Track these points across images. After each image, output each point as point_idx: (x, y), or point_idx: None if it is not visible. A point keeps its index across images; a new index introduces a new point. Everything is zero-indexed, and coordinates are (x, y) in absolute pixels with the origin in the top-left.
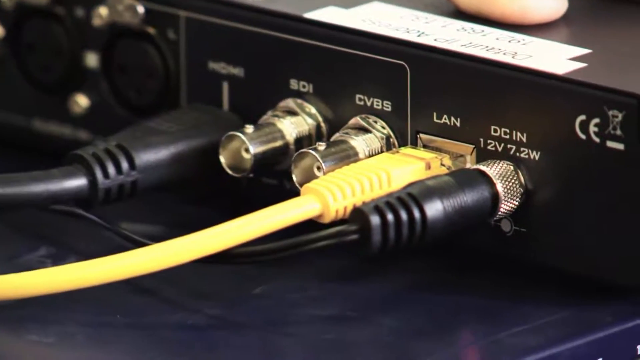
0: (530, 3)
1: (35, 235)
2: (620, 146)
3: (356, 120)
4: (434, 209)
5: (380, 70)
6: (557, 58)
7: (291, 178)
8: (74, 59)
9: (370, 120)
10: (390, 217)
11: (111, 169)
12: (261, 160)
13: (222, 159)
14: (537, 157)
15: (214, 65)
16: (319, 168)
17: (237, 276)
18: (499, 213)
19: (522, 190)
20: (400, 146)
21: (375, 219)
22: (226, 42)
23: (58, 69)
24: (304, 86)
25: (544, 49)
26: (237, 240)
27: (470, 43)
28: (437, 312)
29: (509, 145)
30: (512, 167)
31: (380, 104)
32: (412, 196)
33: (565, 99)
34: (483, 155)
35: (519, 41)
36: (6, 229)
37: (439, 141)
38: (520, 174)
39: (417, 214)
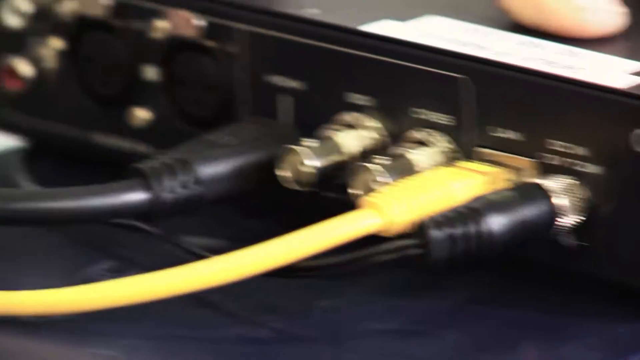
0: (590, 17)
1: (97, 248)
2: None
3: (415, 134)
4: (496, 223)
5: (440, 83)
6: (616, 72)
7: (351, 192)
8: (133, 72)
9: (430, 134)
10: (452, 231)
11: (171, 183)
12: (321, 173)
13: (281, 172)
14: (597, 171)
15: (273, 79)
16: (378, 182)
17: (299, 289)
18: (560, 227)
19: (583, 204)
20: (459, 160)
21: (437, 234)
22: (285, 55)
23: (117, 82)
24: (363, 100)
25: (603, 63)
26: (299, 254)
27: (530, 57)
28: (499, 327)
29: (569, 159)
30: (572, 181)
31: (439, 117)
32: (474, 210)
33: (625, 113)
34: (543, 169)
35: (578, 55)
36: (68, 242)
37: (499, 155)
38: (581, 188)
39: (479, 228)
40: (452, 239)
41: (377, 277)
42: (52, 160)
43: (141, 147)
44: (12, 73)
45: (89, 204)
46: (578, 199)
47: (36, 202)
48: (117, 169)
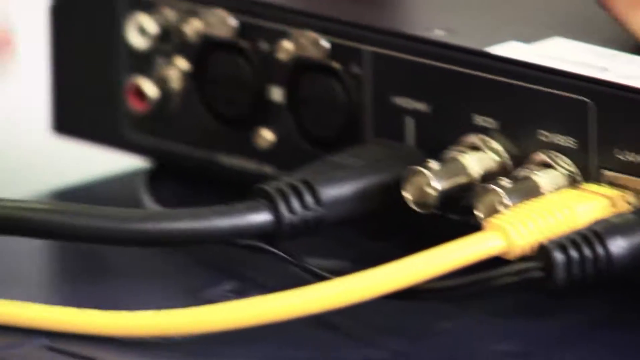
0: None
1: (220, 269)
2: None
3: (540, 156)
4: (619, 246)
5: (564, 106)
6: None
7: (475, 214)
8: (259, 92)
9: (554, 156)
10: (574, 254)
11: (295, 204)
12: (445, 195)
13: (406, 195)
14: None
15: (398, 100)
16: (502, 204)
17: (419, 311)
18: None
19: None
20: (583, 183)
21: (559, 256)
22: (410, 76)
23: (242, 103)
24: (487, 122)
25: None
26: (421, 276)
27: None
28: (617, 351)
29: None
30: None
31: (563, 140)
32: (597, 233)
33: None
34: None
35: None
36: (191, 262)
37: (624, 178)
38: None
39: (601, 251)
40: (573, 261)
41: (494, 298)
42: (176, 181)
43: (265, 168)
44: (138, 93)
45: (213, 225)
46: None
47: (160, 223)
48: (241, 190)
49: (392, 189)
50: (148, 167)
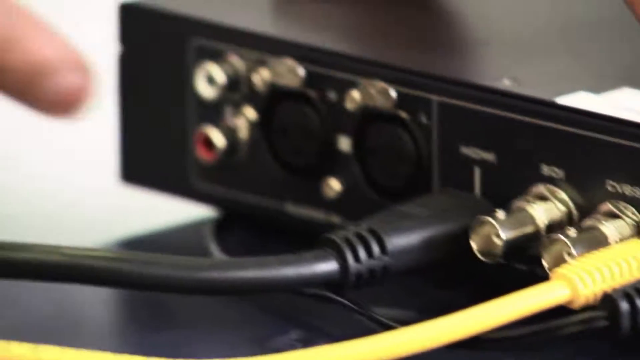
0: None
1: (286, 318)
2: None
3: (607, 206)
4: None
5: (632, 156)
6: None
7: (541, 263)
8: (326, 142)
9: (621, 207)
10: (638, 302)
11: (362, 253)
12: (512, 245)
13: (473, 244)
14: None
15: (465, 150)
16: (569, 254)
17: None
18: None
19: None
20: None
21: (624, 306)
22: (478, 126)
23: (310, 152)
24: (555, 172)
25: None
26: (486, 325)
27: None
28: None
29: None
30: None
31: (631, 190)
32: None
33: None
34: None
35: None
36: (257, 311)
37: None
38: None
39: None
40: (639, 310)
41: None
42: (243, 230)
43: (332, 217)
44: (206, 143)
45: (280, 274)
46: None
47: (227, 272)
48: (309, 239)
49: (459, 239)
50: (215, 216)
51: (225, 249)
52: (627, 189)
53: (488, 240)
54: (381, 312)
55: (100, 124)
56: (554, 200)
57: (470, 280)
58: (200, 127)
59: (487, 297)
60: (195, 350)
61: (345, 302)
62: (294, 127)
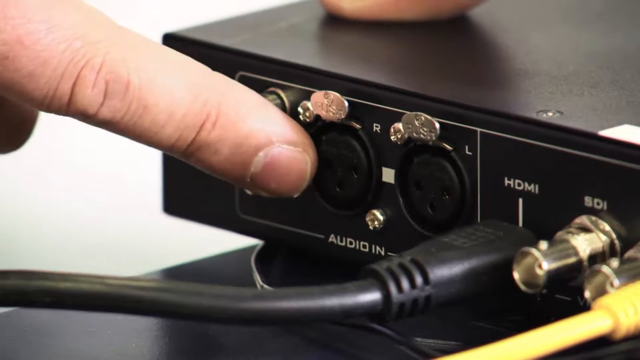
0: None
1: (329, 348)
2: None
3: None
4: None
5: None
6: None
7: (583, 294)
8: (370, 174)
9: None
10: None
11: (405, 284)
12: (554, 276)
13: (515, 275)
14: None
15: (509, 182)
16: (612, 284)
17: None
18: None
19: None
20: None
21: None
22: (521, 158)
23: (354, 184)
24: (598, 203)
25: None
26: (527, 355)
27: None
28: None
29: None
30: None
31: None
32: None
33: None
34: None
35: None
36: (300, 342)
37: None
38: None
39: None
40: None
41: None
42: (286, 260)
43: (377, 249)
44: None
45: (323, 304)
46: None
47: (271, 302)
48: (351, 270)
49: (502, 269)
50: (258, 246)
51: (268, 278)
52: None
53: (530, 271)
54: (424, 343)
55: (145, 156)
56: (596, 231)
57: (513, 312)
58: None
59: (529, 327)
60: None
61: (388, 332)
62: (338, 159)
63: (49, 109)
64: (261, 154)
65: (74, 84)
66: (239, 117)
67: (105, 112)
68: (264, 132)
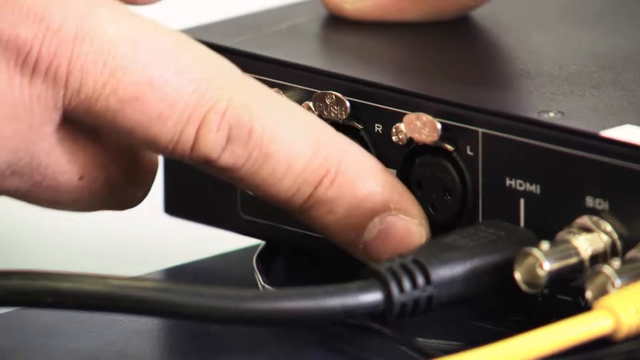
0: None
1: (330, 349)
2: None
3: None
4: None
5: None
6: None
7: (585, 294)
8: None
9: None
10: None
11: (407, 284)
12: (556, 276)
13: (517, 275)
14: None
15: (510, 182)
16: (613, 285)
17: None
18: None
19: None
20: None
21: None
22: (523, 158)
23: None
24: (599, 204)
25: None
26: (528, 355)
27: None
28: None
29: None
30: None
31: None
32: None
33: None
34: None
35: None
36: (301, 342)
37: None
38: None
39: None
40: None
41: None
42: (287, 260)
43: None
44: None
45: (325, 304)
46: None
47: (272, 302)
48: (353, 270)
49: (503, 270)
50: (259, 246)
51: (270, 278)
52: None
53: (532, 271)
54: (425, 343)
55: None
56: (597, 231)
57: (514, 312)
58: None
59: (530, 328)
60: None
61: (390, 332)
62: None
63: (172, 154)
64: (377, 219)
65: (199, 127)
66: (357, 178)
67: (227, 158)
68: (382, 197)
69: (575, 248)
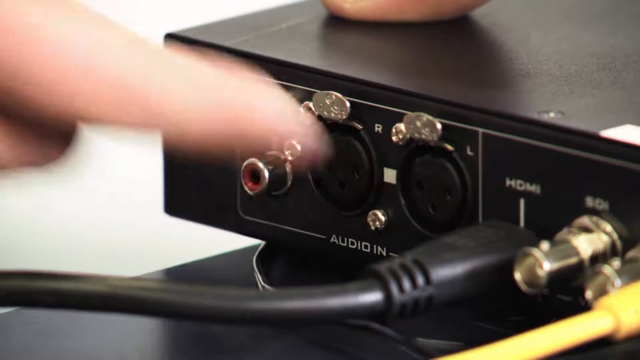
0: None
1: (329, 349)
2: None
3: None
4: None
5: None
6: None
7: (585, 294)
8: (373, 175)
9: None
10: None
11: (407, 284)
12: (556, 276)
13: (517, 275)
14: None
15: (510, 182)
16: (613, 285)
17: None
18: None
19: None
20: None
21: None
22: (523, 158)
23: (356, 185)
24: (599, 204)
25: None
26: (528, 355)
27: None
28: None
29: None
30: None
31: None
32: None
33: None
34: None
35: None
36: (301, 342)
37: None
38: None
39: None
40: None
41: None
42: (288, 261)
43: (377, 249)
44: (253, 175)
45: (325, 305)
46: None
47: (272, 302)
48: (353, 270)
49: (503, 270)
50: (259, 246)
51: (270, 279)
52: None
53: (532, 272)
54: (425, 343)
55: (146, 156)
56: (597, 231)
57: (514, 312)
58: (247, 160)
59: (530, 328)
60: None
61: (390, 332)
62: (340, 160)
63: None
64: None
65: None
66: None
67: None
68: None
69: (575, 248)
